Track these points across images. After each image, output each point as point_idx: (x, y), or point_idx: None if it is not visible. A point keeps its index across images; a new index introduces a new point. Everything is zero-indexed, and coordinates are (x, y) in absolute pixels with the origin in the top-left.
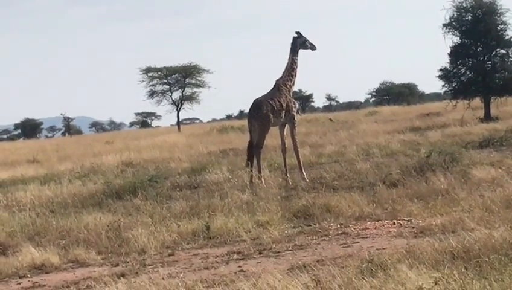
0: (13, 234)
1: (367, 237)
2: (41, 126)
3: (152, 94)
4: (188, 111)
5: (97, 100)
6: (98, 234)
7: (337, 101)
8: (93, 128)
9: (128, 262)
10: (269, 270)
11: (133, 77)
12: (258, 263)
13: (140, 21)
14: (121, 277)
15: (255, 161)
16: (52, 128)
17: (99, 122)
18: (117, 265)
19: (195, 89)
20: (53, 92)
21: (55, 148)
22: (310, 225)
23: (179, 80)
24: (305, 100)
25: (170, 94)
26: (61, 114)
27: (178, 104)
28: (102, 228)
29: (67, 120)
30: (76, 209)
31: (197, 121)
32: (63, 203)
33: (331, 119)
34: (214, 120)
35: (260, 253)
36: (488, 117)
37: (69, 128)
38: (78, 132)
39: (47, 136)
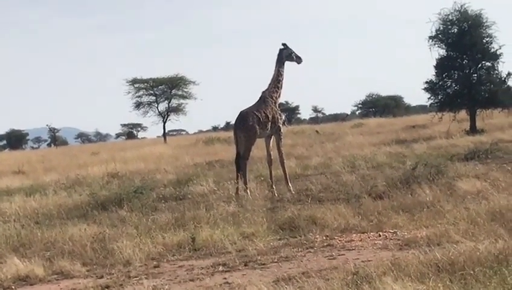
0: None
1: (352, 249)
2: (27, 137)
3: (138, 105)
4: (174, 122)
5: (83, 111)
6: (83, 245)
7: (323, 113)
8: (79, 139)
9: (113, 274)
10: (254, 282)
11: (120, 88)
12: (243, 275)
13: (126, 33)
14: (106, 289)
15: (240, 173)
16: (37, 139)
17: (85, 133)
18: (102, 277)
19: (181, 101)
20: (39, 103)
21: (41, 159)
22: (296, 237)
23: (165, 91)
24: (291, 112)
25: (156, 105)
26: (47, 125)
27: (164, 116)
28: (87, 240)
29: (53, 131)
30: (62, 221)
31: (183, 133)
32: (48, 215)
33: (317, 131)
34: (200, 131)
35: (245, 265)
36: (473, 129)
37: (55, 139)
38: (64, 143)
39: (33, 147)
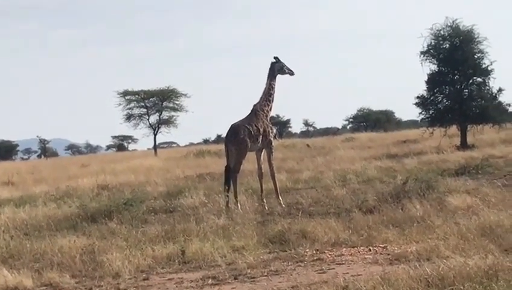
0: None
1: (342, 264)
2: (17, 148)
3: (129, 117)
4: (165, 135)
5: (74, 122)
6: (72, 257)
7: (314, 127)
8: (70, 150)
9: (102, 286)
10: None
11: (111, 100)
12: (233, 288)
13: (118, 45)
14: None
15: (231, 186)
16: (27, 151)
17: (76, 144)
18: (91, 289)
19: (172, 113)
20: (29, 114)
21: (31, 170)
22: (286, 251)
23: (156, 103)
24: (282, 125)
25: (147, 117)
26: (37, 136)
27: (155, 128)
28: (76, 251)
29: (43, 142)
30: (51, 232)
31: (174, 145)
32: (37, 226)
33: (308, 145)
34: (191, 144)
35: (235, 278)
36: (464, 145)
37: (45, 150)
38: (54, 154)
39: (22, 158)
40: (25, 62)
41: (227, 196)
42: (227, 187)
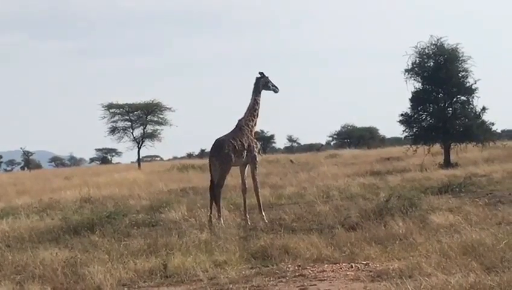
0: None
1: (324, 280)
2: (0, 159)
3: (113, 130)
4: (149, 148)
5: (58, 135)
6: (54, 269)
7: (298, 143)
8: (53, 163)
9: None
10: None
11: (95, 113)
12: None
13: (103, 58)
14: None
15: (214, 200)
16: (11, 162)
17: (59, 157)
18: None
19: (156, 127)
20: (13, 126)
21: (14, 182)
22: (268, 266)
23: (140, 116)
24: (266, 141)
25: (131, 131)
26: (21, 148)
27: (139, 141)
28: (58, 264)
29: (26, 154)
30: (33, 244)
31: (158, 159)
32: (19, 238)
33: (291, 161)
34: (175, 158)
35: None
36: (447, 163)
37: (29, 162)
38: (38, 166)
39: (6, 170)
40: (9, 73)
41: (211, 210)
42: (211, 202)
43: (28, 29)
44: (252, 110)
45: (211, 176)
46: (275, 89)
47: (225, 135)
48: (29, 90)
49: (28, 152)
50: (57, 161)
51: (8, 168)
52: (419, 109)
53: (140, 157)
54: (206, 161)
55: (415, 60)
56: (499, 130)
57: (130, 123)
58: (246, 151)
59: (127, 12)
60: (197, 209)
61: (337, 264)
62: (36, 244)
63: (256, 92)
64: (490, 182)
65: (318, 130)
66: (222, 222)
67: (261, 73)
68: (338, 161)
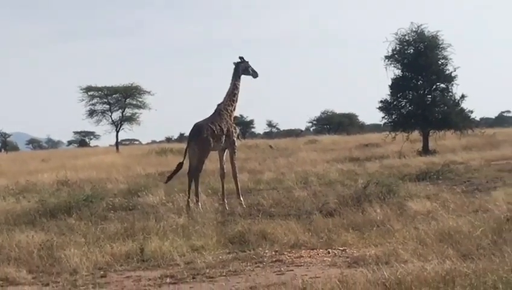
0: None
1: (301, 265)
2: None
3: (92, 113)
4: (128, 132)
5: (35, 117)
6: (30, 252)
7: (277, 128)
8: (30, 145)
9: (59, 282)
10: None
11: (73, 96)
12: (191, 287)
13: (82, 40)
14: None
15: (192, 185)
16: None
17: (37, 139)
18: (48, 285)
19: (135, 110)
20: None
21: None
22: (245, 251)
23: (119, 100)
24: (245, 126)
25: (110, 114)
26: None
27: (117, 125)
28: (34, 247)
29: (3, 136)
30: (9, 227)
31: (136, 142)
32: None
33: (271, 146)
34: (154, 142)
35: (194, 278)
36: (426, 150)
37: (6, 144)
38: (15, 148)
39: None
40: None
41: (189, 194)
42: (189, 186)
43: (4, 9)
44: (231, 95)
45: (189, 161)
46: (255, 74)
47: (204, 120)
48: (6, 72)
49: (5, 134)
50: (34, 143)
51: None
52: (398, 96)
53: (119, 140)
54: (184, 145)
55: (395, 47)
56: (477, 118)
57: (108, 106)
58: (224, 136)
59: None
60: (175, 193)
61: (315, 250)
62: (12, 226)
63: (236, 77)
64: (468, 169)
65: (298, 116)
66: (200, 206)
67: (240, 58)
68: (317, 146)
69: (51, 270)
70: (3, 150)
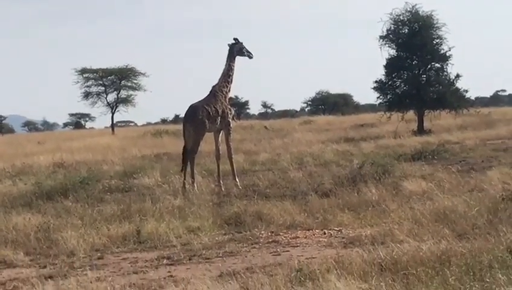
0: None
1: (297, 246)
2: None
3: (87, 95)
4: (123, 114)
5: (31, 99)
6: (27, 234)
7: (272, 109)
8: (26, 127)
9: (56, 264)
10: (198, 276)
11: (68, 78)
12: (187, 268)
13: (77, 21)
14: (49, 279)
15: (188, 167)
16: None
17: (32, 121)
18: (45, 267)
19: (130, 92)
20: None
21: None
22: (241, 232)
23: (114, 82)
24: (240, 107)
25: (105, 96)
26: None
27: (113, 107)
28: (31, 229)
29: None
30: (6, 209)
31: (132, 124)
32: None
33: (266, 127)
34: (149, 123)
35: (190, 259)
36: (421, 130)
37: (1, 127)
38: (10, 130)
39: None
40: None
41: (184, 176)
42: (185, 168)
43: None
44: (226, 76)
45: (184, 142)
46: (249, 55)
47: (199, 101)
48: (1, 54)
49: (1, 116)
50: (30, 126)
51: None
52: (393, 76)
53: (114, 122)
54: (180, 127)
55: (390, 27)
56: (472, 98)
57: (103, 88)
58: (220, 118)
59: None
60: (170, 175)
61: (310, 231)
62: (9, 209)
63: (231, 58)
64: (463, 149)
65: (293, 97)
66: (196, 188)
67: (235, 39)
68: (312, 127)
69: (48, 252)
70: None
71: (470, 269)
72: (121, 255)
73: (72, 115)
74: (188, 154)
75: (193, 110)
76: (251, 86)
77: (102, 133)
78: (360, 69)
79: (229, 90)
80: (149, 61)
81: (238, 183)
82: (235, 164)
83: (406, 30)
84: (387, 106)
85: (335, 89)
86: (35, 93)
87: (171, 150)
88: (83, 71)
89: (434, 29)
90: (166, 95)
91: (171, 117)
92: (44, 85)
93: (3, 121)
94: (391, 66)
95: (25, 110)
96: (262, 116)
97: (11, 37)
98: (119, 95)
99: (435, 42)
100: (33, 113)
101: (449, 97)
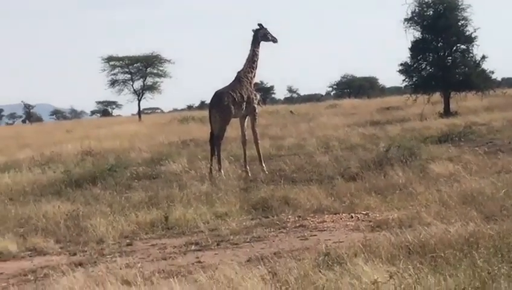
0: None
1: (324, 230)
2: (2, 113)
3: (113, 83)
4: (149, 101)
5: (58, 88)
6: (57, 222)
7: (298, 94)
8: (54, 116)
9: (86, 251)
10: (226, 262)
11: (95, 66)
12: (215, 254)
13: (104, 10)
14: (79, 266)
15: (215, 152)
16: (12, 116)
17: (60, 110)
18: (75, 254)
19: (156, 79)
20: (14, 79)
21: (15, 135)
22: (268, 217)
23: (140, 69)
24: (266, 92)
25: (131, 83)
26: (22, 101)
27: (139, 94)
28: (60, 217)
29: (27, 107)
30: (36, 198)
31: (158, 111)
32: (22, 191)
33: (291, 112)
34: (175, 110)
35: (218, 244)
36: (447, 112)
37: (30, 115)
38: (39, 119)
39: (7, 123)
40: (8, 27)
41: (211, 162)
42: (212, 154)
43: None
44: (251, 61)
45: (211, 128)
46: (274, 40)
47: (224, 87)
48: (30, 44)
49: (29, 105)
50: (58, 114)
51: (10, 122)
52: (418, 58)
53: (141, 109)
54: (206, 113)
55: (415, 9)
56: (498, 79)
57: (130, 76)
58: (245, 103)
59: None
60: (197, 161)
61: (337, 215)
62: (38, 197)
63: (255, 44)
64: (490, 130)
65: (318, 81)
66: (223, 173)
67: (259, 24)
68: (338, 111)
69: (78, 239)
70: (27, 122)
71: (498, 251)
72: (150, 241)
73: (99, 102)
74: (214, 140)
75: (219, 96)
76: (276, 71)
77: (129, 120)
78: (385, 51)
79: (254, 76)
80: (174, 47)
81: (265, 168)
82: (261, 149)
83: (431, 12)
84: (413, 88)
85: (360, 72)
86: (63, 81)
87: (197, 136)
88: (109, 59)
89: (459, 10)
90: (192, 81)
91: (197, 103)
92: (71, 73)
93: (31, 110)
94: (416, 48)
95: (52, 99)
96: (288, 100)
97: (38, 26)
98: (145, 82)
99: (460, 24)
100: (61, 102)
101: (475, 79)
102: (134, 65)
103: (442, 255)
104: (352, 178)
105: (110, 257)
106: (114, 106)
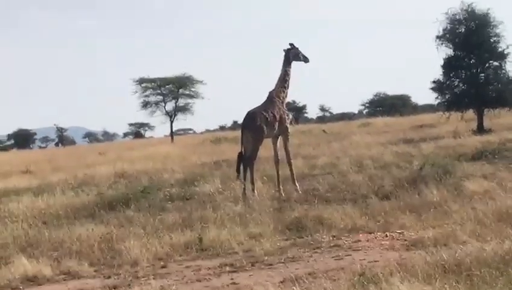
0: (5, 245)
1: (359, 250)
2: (35, 136)
3: (145, 105)
4: (182, 122)
5: (91, 110)
6: (91, 245)
7: (330, 112)
8: (87, 138)
9: (120, 274)
10: (261, 282)
11: (127, 88)
12: (250, 275)
13: (136, 32)
14: (114, 289)
15: (248, 173)
16: (45, 139)
17: (93, 132)
18: (109, 277)
19: (188, 100)
20: (47, 102)
21: (48, 158)
22: (303, 237)
23: (172, 90)
24: (298, 111)
25: (164, 105)
26: (55, 124)
27: (171, 115)
28: (94, 240)
29: (60, 131)
30: (69, 221)
31: (191, 132)
32: (55, 215)
33: (324, 131)
34: (208, 131)
35: (252, 265)
36: (481, 129)
37: (62, 138)
38: (72, 142)
39: (40, 147)
40: (42, 51)
41: (244, 183)
42: (238, 174)
43: (57, 5)
44: (283, 81)
45: (240, 148)
46: (306, 60)
47: (257, 107)
48: (63, 67)
49: (62, 128)
50: (90, 137)
51: (43, 145)
52: (451, 75)
53: (173, 130)
54: (238, 133)
55: (446, 27)
56: None
57: (161, 97)
58: (277, 123)
59: None
60: (231, 182)
61: (372, 234)
62: (72, 220)
63: (287, 64)
64: None
65: (350, 99)
66: (256, 194)
67: (291, 44)
68: (371, 129)
69: (112, 262)
70: (60, 145)
71: None
72: (184, 263)
73: (131, 124)
74: (247, 161)
75: (251, 116)
76: (308, 90)
77: (161, 141)
78: (417, 69)
79: (286, 95)
80: (206, 68)
81: (298, 188)
82: (294, 169)
83: (463, 29)
84: (446, 105)
85: (392, 90)
86: (95, 104)
87: (230, 156)
88: (141, 81)
89: (491, 27)
90: (224, 102)
91: (229, 123)
92: (104, 96)
93: (64, 133)
94: (449, 65)
95: (85, 122)
96: (320, 119)
97: (71, 50)
98: (177, 104)
99: (492, 40)
100: (93, 124)
101: (508, 95)
102: (166, 86)
103: (478, 273)
104: (387, 197)
105: (145, 280)
106: (146, 128)
